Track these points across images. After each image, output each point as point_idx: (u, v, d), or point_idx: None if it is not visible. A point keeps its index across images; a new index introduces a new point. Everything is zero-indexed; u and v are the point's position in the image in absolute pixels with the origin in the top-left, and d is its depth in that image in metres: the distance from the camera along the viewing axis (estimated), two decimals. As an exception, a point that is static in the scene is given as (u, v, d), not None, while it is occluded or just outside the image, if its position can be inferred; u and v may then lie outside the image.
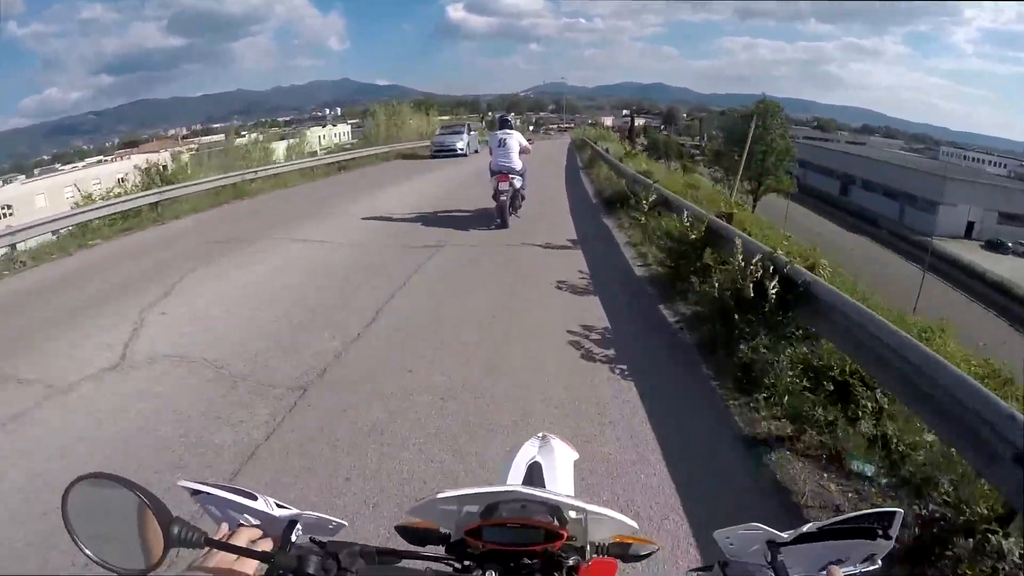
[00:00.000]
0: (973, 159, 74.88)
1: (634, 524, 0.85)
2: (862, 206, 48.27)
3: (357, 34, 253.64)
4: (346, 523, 0.84)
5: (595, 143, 24.71)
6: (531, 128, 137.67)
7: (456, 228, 9.73)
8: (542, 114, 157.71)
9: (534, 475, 1.15)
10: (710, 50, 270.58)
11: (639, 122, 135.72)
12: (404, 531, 0.94)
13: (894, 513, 0.74)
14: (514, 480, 1.15)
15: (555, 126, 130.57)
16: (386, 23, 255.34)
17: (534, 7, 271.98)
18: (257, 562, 0.75)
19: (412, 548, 0.88)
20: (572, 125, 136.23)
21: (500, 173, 9.19)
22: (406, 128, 31.05)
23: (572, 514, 0.84)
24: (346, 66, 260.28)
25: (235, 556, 0.75)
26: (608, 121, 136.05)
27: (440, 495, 0.82)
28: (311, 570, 0.73)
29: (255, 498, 0.81)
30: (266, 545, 0.79)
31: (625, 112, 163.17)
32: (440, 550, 0.86)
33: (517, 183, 9.33)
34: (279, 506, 0.82)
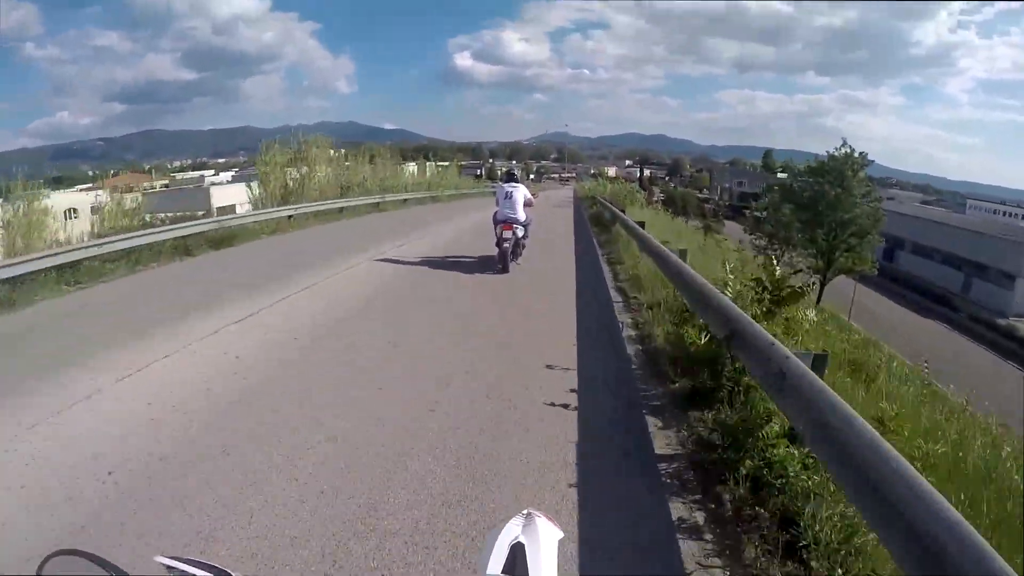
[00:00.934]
0: (1006, 213, 67.79)
1: None
2: (913, 274, 40.65)
3: (366, 78, 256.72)
4: None
5: (611, 204, 17.48)
6: (531, 177, 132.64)
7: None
8: (544, 162, 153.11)
9: (517, 557, 1.09)
10: (710, 102, 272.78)
11: (645, 173, 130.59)
12: None
13: None
14: (496, 563, 1.08)
15: (556, 175, 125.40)
16: (394, 69, 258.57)
17: (540, 57, 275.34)
18: None
19: None
20: (574, 175, 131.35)
21: (504, 222, 9.52)
22: (323, 181, 20.67)
23: None
24: (353, 109, 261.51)
25: None
26: (612, 171, 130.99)
27: None
28: None
29: None
30: None
31: (628, 162, 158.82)
32: None
33: (520, 232, 9.63)
34: None
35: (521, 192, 9.71)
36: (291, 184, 18.81)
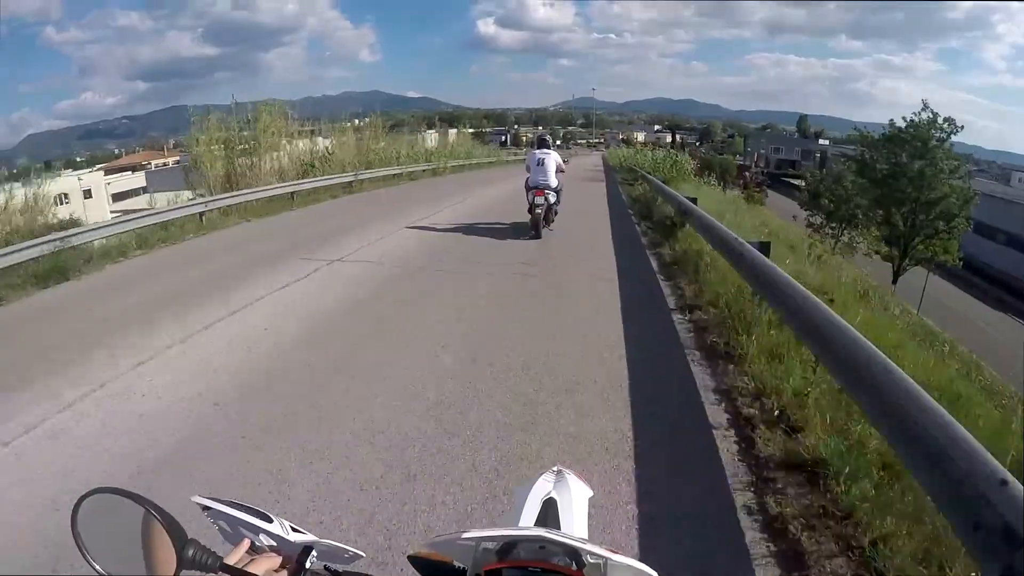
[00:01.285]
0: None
1: (654, 573, 0.82)
2: (976, 257, 36.61)
3: (388, 47, 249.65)
4: (363, 554, 0.80)
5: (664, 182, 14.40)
6: (557, 144, 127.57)
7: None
8: (570, 128, 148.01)
9: (549, 512, 1.11)
10: (740, 66, 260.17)
11: (676, 138, 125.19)
12: (417, 562, 0.89)
13: None
14: (528, 516, 1.11)
15: (583, 141, 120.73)
16: (417, 36, 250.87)
17: (565, 22, 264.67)
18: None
19: None
20: (602, 140, 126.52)
21: (536, 188, 9.39)
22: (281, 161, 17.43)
23: (589, 559, 0.81)
24: (377, 78, 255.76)
25: None
26: (640, 137, 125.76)
27: (466, 535, 0.79)
28: None
29: (270, 520, 0.78)
30: (281, 571, 0.75)
31: (657, 127, 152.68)
32: None
33: (552, 198, 9.53)
34: (294, 530, 0.78)
35: (553, 159, 9.67)
36: (239, 168, 15.62)
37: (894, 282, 18.08)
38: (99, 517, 0.68)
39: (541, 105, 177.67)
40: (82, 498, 0.68)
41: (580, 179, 19.31)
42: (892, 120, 18.82)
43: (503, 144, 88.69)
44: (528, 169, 9.85)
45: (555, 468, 1.26)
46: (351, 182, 17.91)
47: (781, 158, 71.90)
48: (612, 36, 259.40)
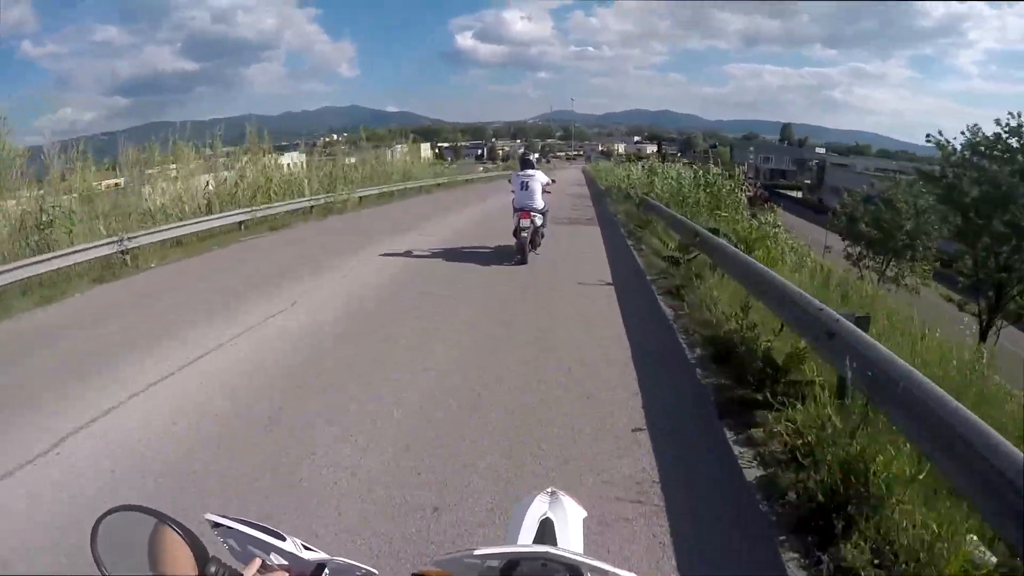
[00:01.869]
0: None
1: None
2: None
3: (367, 62, 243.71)
4: (376, 572, 0.80)
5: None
6: (534, 156, 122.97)
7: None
8: (549, 141, 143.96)
9: (546, 532, 1.11)
10: (716, 77, 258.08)
11: (651, 149, 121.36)
12: None
13: None
14: (526, 535, 1.10)
15: (562, 154, 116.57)
16: (396, 51, 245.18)
17: (543, 35, 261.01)
18: None
19: None
20: (580, 153, 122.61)
21: (522, 210, 9.03)
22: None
23: (590, 575, 0.81)
24: (356, 92, 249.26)
25: None
26: (620, 148, 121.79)
27: (476, 552, 0.78)
28: None
29: (283, 538, 0.77)
30: None
31: (637, 138, 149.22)
32: None
33: (538, 221, 9.15)
34: (307, 548, 0.78)
35: (538, 180, 9.29)
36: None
37: (982, 339, 13.13)
38: (120, 535, 0.67)
39: (520, 118, 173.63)
40: (102, 517, 0.67)
41: (560, 219, 14.51)
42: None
43: (479, 158, 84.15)
44: (512, 191, 9.42)
45: (549, 490, 1.24)
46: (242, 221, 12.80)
47: (772, 168, 67.74)
48: (590, 49, 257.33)
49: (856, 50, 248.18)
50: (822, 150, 66.88)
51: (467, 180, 32.10)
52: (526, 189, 9.09)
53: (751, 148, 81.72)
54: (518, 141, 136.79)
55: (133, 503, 0.68)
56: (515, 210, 9.17)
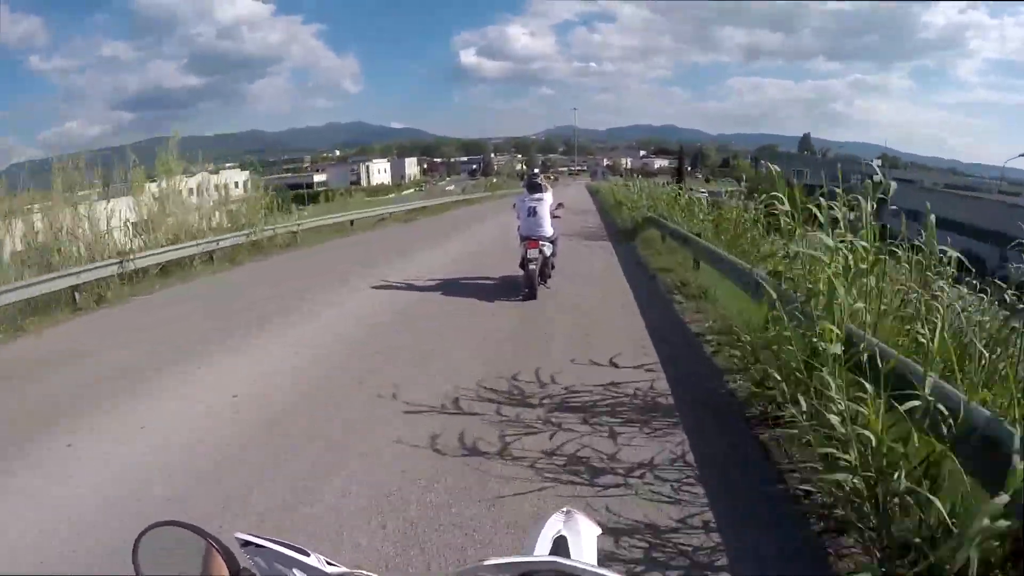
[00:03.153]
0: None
1: None
2: None
3: (372, 78, 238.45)
4: None
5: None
6: (535, 171, 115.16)
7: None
8: (551, 156, 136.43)
9: (560, 550, 1.10)
10: (719, 91, 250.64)
11: (660, 163, 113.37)
12: None
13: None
14: (540, 552, 1.09)
15: (564, 169, 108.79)
16: (400, 68, 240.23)
17: (545, 51, 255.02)
18: None
19: None
20: (584, 168, 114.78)
21: (530, 239, 7.96)
22: None
23: None
24: (361, 108, 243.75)
25: None
26: (627, 162, 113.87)
27: (486, 563, 0.79)
28: None
29: (307, 554, 0.79)
30: None
31: (643, 152, 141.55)
32: None
33: (547, 250, 8.09)
34: (330, 564, 0.80)
35: (546, 204, 8.28)
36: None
37: None
38: (160, 548, 0.69)
39: (524, 134, 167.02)
40: (144, 531, 0.70)
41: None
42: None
43: (472, 174, 76.88)
44: (518, 217, 8.36)
45: (564, 509, 1.23)
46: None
47: (806, 183, 59.63)
48: (592, 64, 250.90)
49: (858, 62, 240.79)
50: (877, 161, 58.10)
51: (412, 212, 22.89)
52: (534, 215, 8.08)
53: (779, 162, 73.62)
54: (519, 156, 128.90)
55: (176, 519, 0.70)
56: (521, 239, 8.14)
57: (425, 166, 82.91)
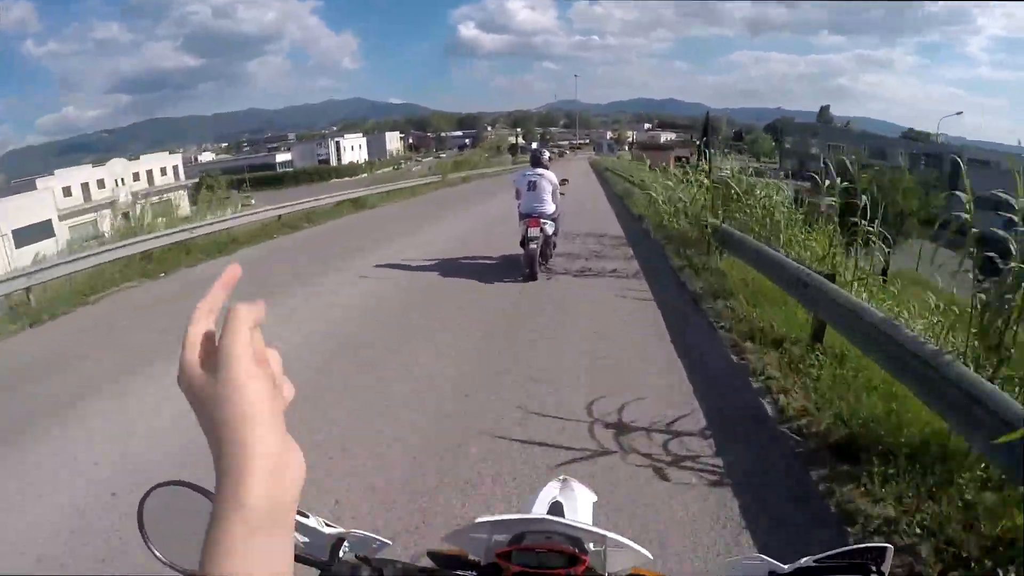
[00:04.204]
0: None
1: (650, 556, 0.84)
2: None
3: (370, 54, 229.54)
4: (390, 542, 0.84)
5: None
6: (534, 146, 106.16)
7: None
8: (552, 129, 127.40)
9: (556, 513, 1.12)
10: (721, 65, 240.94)
11: (669, 136, 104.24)
12: (435, 557, 0.93)
13: (885, 548, 0.74)
14: (539, 511, 1.13)
15: (566, 142, 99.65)
16: (399, 43, 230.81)
17: (547, 25, 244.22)
18: (312, 570, 0.77)
19: (447, 571, 0.88)
20: (587, 141, 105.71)
21: (530, 217, 7.31)
22: None
23: (592, 546, 0.84)
24: (360, 85, 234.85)
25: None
26: (633, 135, 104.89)
27: (478, 520, 0.83)
28: None
29: (307, 516, 0.81)
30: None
31: (648, 126, 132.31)
32: (472, 574, 0.87)
33: (549, 229, 7.50)
34: (327, 525, 0.82)
35: (548, 179, 7.59)
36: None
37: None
38: (164, 508, 0.70)
39: (526, 107, 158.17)
40: (148, 492, 0.70)
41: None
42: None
43: (462, 148, 68.24)
44: (517, 194, 7.69)
45: (561, 477, 1.27)
46: None
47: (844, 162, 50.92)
48: (595, 38, 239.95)
49: (863, 37, 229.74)
50: (944, 136, 49.26)
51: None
52: (534, 190, 7.46)
53: (804, 136, 63.62)
54: (517, 130, 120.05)
55: (181, 479, 0.70)
56: (521, 216, 7.49)
57: (411, 141, 73.31)
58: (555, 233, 7.77)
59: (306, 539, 0.79)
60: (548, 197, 7.43)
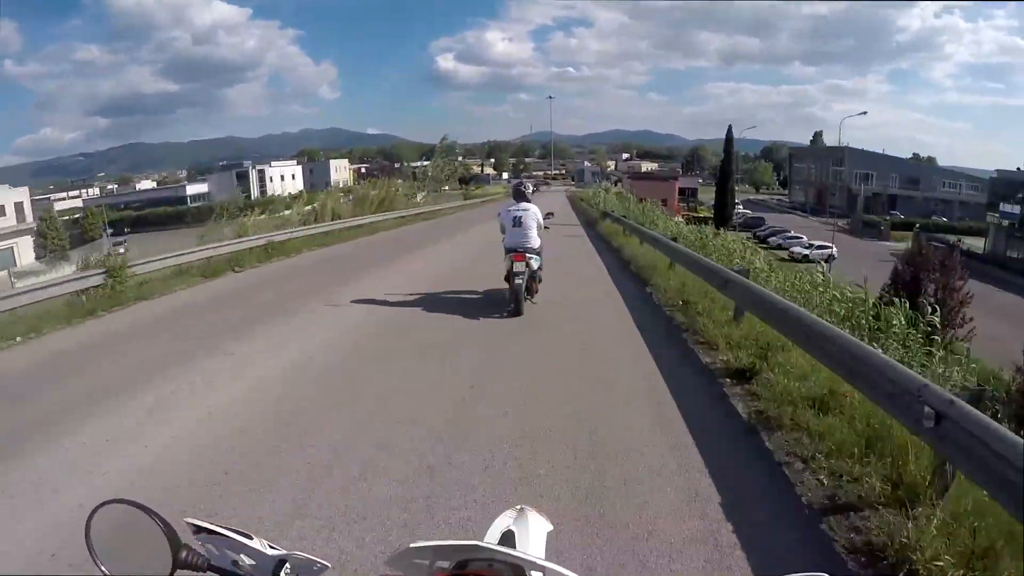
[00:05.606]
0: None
1: None
2: None
3: (349, 84, 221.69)
4: (330, 565, 0.82)
5: None
6: (504, 177, 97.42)
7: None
8: (527, 159, 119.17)
9: (507, 543, 1.11)
10: (696, 96, 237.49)
11: (648, 166, 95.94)
12: None
13: None
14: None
15: (541, 173, 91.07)
16: (377, 73, 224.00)
17: (523, 56, 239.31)
18: None
19: None
20: (562, 171, 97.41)
21: (515, 252, 7.31)
22: None
23: (535, 574, 0.85)
24: (338, 115, 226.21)
25: None
26: (612, 165, 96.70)
27: (413, 545, 0.82)
28: None
29: (250, 537, 0.82)
30: None
31: (626, 155, 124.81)
32: None
33: (534, 264, 7.45)
34: (271, 547, 0.82)
35: (533, 214, 7.60)
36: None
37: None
38: (109, 525, 0.72)
39: (502, 138, 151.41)
40: (95, 509, 0.72)
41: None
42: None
43: (414, 177, 58.39)
44: (502, 229, 7.68)
45: (518, 507, 1.23)
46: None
47: (875, 191, 41.60)
48: (570, 69, 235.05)
49: (835, 66, 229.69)
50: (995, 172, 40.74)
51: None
52: (519, 226, 7.41)
53: (809, 162, 54.46)
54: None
55: (125, 498, 0.71)
56: (507, 251, 7.48)
57: (363, 170, 62.03)
58: (539, 267, 7.68)
59: (250, 560, 0.80)
60: (533, 233, 7.44)
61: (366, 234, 16.80)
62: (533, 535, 1.14)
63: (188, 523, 0.79)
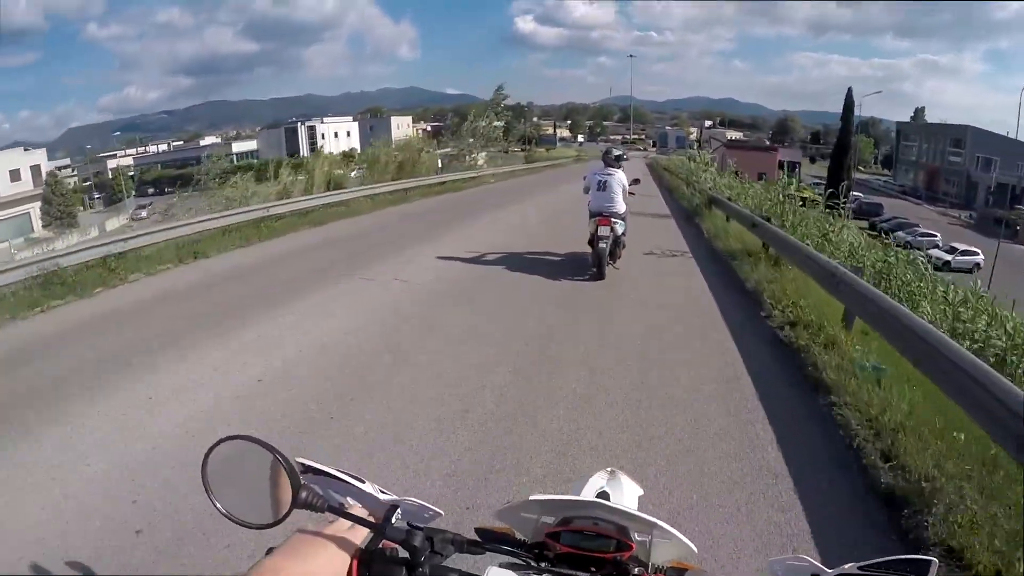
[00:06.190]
0: None
1: (694, 549, 0.84)
2: None
3: (427, 44, 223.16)
4: (442, 512, 0.82)
5: None
6: (580, 140, 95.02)
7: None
8: (606, 123, 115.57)
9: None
10: (781, 65, 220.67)
11: (734, 135, 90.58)
12: (483, 533, 0.93)
13: (930, 562, 0.72)
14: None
15: (619, 137, 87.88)
16: (456, 33, 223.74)
17: (605, 19, 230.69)
18: (365, 532, 0.76)
19: (495, 545, 0.88)
20: (642, 135, 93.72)
21: (600, 216, 7.19)
22: None
23: (638, 535, 0.84)
24: (416, 75, 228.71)
25: (349, 524, 0.76)
26: (696, 132, 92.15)
27: (532, 497, 0.83)
28: (416, 543, 0.75)
29: (363, 482, 0.81)
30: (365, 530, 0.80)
31: (708, 123, 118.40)
32: (518, 552, 0.86)
33: (619, 228, 7.33)
34: (382, 491, 0.82)
35: (619, 179, 7.46)
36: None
37: None
38: (227, 462, 0.70)
39: (581, 101, 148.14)
40: (213, 446, 0.70)
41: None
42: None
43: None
44: (586, 190, 7.59)
45: (608, 469, 1.23)
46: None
47: (1001, 180, 36.26)
48: (653, 34, 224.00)
49: (930, 41, 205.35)
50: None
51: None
52: (604, 189, 7.30)
53: (924, 139, 49.04)
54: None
55: (246, 434, 0.70)
56: (591, 215, 7.36)
57: (428, 128, 60.42)
58: (624, 232, 7.58)
59: (361, 504, 0.80)
60: (618, 197, 7.32)
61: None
62: (627, 498, 1.14)
63: (299, 463, 0.75)
